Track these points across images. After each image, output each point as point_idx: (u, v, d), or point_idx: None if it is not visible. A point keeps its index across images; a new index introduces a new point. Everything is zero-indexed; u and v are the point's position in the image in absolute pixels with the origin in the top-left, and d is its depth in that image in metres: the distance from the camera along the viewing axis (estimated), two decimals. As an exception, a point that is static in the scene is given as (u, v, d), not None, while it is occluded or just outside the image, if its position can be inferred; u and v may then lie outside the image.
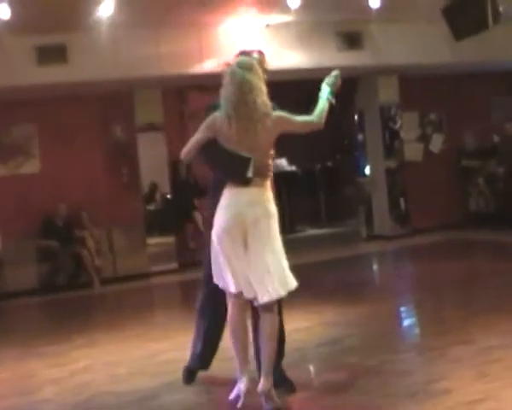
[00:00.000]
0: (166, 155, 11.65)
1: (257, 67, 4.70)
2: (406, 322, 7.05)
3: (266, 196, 4.51)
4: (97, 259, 10.80)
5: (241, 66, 4.60)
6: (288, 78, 11.71)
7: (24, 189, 10.99)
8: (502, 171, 12.25)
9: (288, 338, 6.01)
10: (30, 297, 10.17)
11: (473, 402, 4.05)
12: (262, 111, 4.47)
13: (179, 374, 5.22)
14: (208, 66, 10.74)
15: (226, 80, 4.55)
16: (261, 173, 4.47)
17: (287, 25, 10.69)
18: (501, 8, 9.94)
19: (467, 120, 13.51)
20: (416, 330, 6.52)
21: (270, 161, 4.61)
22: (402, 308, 7.48)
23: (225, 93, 4.53)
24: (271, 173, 4.64)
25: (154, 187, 11.66)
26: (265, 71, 4.97)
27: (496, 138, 13.20)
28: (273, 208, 4.51)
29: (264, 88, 4.63)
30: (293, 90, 12.98)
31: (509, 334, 5.42)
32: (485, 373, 4.54)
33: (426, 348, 5.50)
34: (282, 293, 4.42)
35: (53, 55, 9.80)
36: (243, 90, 4.44)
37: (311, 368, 5.47)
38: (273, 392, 4.27)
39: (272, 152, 4.63)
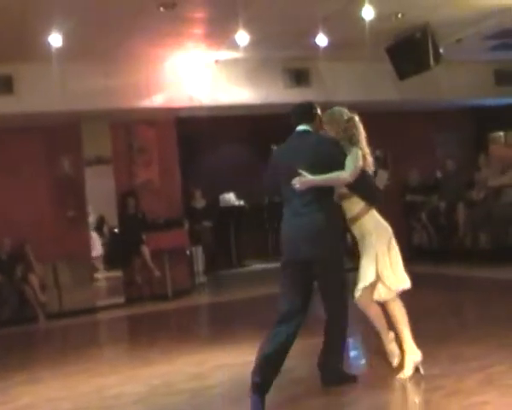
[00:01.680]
0: (114, 189, 11.62)
1: None
2: (353, 353, 7.11)
3: None
4: (41, 294, 10.64)
5: None
6: (236, 113, 11.87)
7: (-33, 221, 10.82)
8: (443, 206, 12.52)
9: (237, 371, 6.10)
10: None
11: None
12: None
13: (126, 408, 5.20)
14: (156, 100, 10.81)
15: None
16: None
17: (235, 61, 10.84)
18: (441, 50, 10.29)
19: (411, 157, 13.81)
20: (362, 362, 6.58)
21: None
22: (349, 340, 7.54)
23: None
24: None
25: (101, 220, 11.61)
26: None
27: (438, 174, 13.52)
28: None
29: None
30: (240, 124, 13.17)
31: (449, 362, 5.55)
32: (427, 400, 4.67)
33: (371, 378, 5.57)
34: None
35: (-2, 84, 9.74)
36: None
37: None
38: None
39: None
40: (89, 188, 11.46)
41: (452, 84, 12.71)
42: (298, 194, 5.02)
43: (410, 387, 5.02)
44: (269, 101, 11.55)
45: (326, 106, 12.59)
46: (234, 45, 9.75)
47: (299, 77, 11.74)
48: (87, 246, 11.50)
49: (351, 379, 5.33)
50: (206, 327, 10.02)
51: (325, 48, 10.02)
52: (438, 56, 10.22)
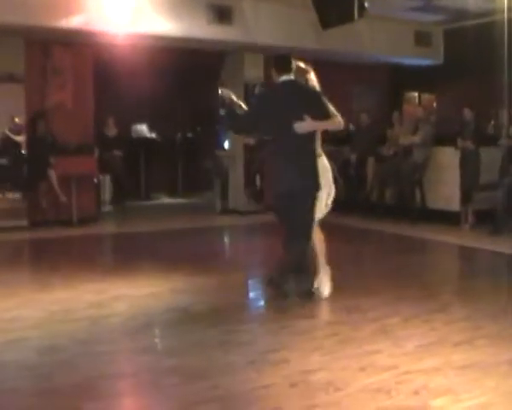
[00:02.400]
0: (24, 109, 11.27)
1: None
2: (252, 294, 7.24)
3: None
4: None
5: None
6: (156, 44, 11.66)
7: None
8: (354, 158, 12.76)
9: (136, 303, 6.15)
10: None
11: (308, 372, 4.28)
12: None
13: (22, 333, 5.17)
14: (74, 21, 10.48)
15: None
16: None
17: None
18: (366, 4, 10.36)
19: (326, 107, 13.94)
20: (261, 303, 6.71)
21: None
22: (249, 281, 7.69)
23: None
24: None
25: (7, 140, 11.26)
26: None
27: (352, 127, 13.72)
28: None
29: None
30: (159, 57, 12.96)
31: (346, 311, 5.74)
32: (322, 346, 4.80)
33: (269, 320, 5.72)
34: None
35: None
36: None
37: (154, 333, 5.53)
38: None
39: None
40: (-3, 105, 11.06)
41: (373, 39, 12.89)
42: (292, 136, 5.80)
43: (307, 333, 5.16)
44: (190, 35, 11.39)
45: (247, 46, 12.65)
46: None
47: (222, 14, 11.61)
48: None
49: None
50: (109, 256, 9.97)
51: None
52: (362, 10, 10.27)
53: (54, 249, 9.85)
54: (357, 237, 10.60)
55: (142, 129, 14.95)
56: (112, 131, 13.25)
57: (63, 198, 11.33)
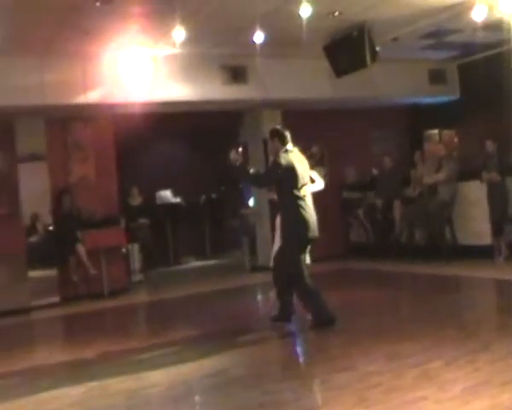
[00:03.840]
0: (49, 186, 11.40)
1: None
2: (289, 351, 7.13)
3: None
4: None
5: None
6: (173, 110, 11.78)
7: None
8: (380, 202, 12.69)
9: (173, 372, 6.08)
10: None
11: (353, 427, 4.17)
12: None
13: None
14: (92, 96, 10.64)
15: None
16: None
17: (173, 57, 10.77)
18: (378, 49, 10.42)
19: (348, 154, 13.97)
20: (299, 359, 6.60)
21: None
22: (285, 337, 7.58)
23: None
24: None
25: (35, 218, 11.37)
26: None
27: (375, 171, 13.68)
28: None
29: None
30: (178, 122, 13.08)
31: (386, 359, 5.61)
32: (364, 398, 4.67)
33: (308, 376, 5.60)
34: None
35: None
36: None
37: (197, 399, 5.44)
38: None
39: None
40: (22, 185, 11.20)
41: (388, 82, 12.90)
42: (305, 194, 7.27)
43: (348, 386, 5.03)
44: (206, 97, 11.50)
45: (263, 103, 12.74)
46: (171, 41, 9.66)
47: (237, 74, 11.72)
48: (21, 244, 11.23)
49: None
50: (143, 326, 9.92)
51: (262, 45, 10.01)
52: (374, 54, 10.35)
53: (87, 324, 9.82)
54: (390, 281, 10.47)
55: (167, 195, 15.02)
56: (136, 200, 13.34)
57: (93, 271, 11.36)
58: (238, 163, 7.28)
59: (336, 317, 7.16)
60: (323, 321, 7.15)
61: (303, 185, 7.26)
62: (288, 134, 7.43)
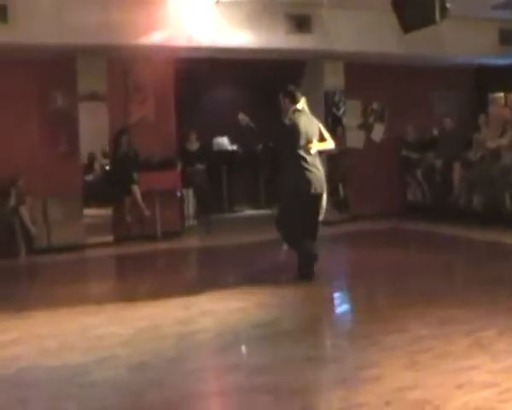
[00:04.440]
0: (108, 126, 11.46)
1: None
2: (339, 308, 7.10)
3: None
4: (32, 226, 10.55)
5: None
6: (236, 56, 11.67)
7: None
8: (439, 164, 12.45)
9: (223, 318, 6.12)
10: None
11: (402, 389, 4.11)
12: None
13: (111, 350, 5.21)
14: (155, 38, 10.59)
15: None
16: None
17: (237, 3, 10.66)
18: (448, 5, 10.07)
19: (409, 112, 13.71)
20: (350, 317, 6.55)
21: None
22: (336, 294, 7.55)
23: None
24: None
25: (92, 157, 11.47)
26: None
27: (435, 132, 13.41)
28: None
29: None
30: (239, 69, 12.94)
31: (439, 324, 5.53)
32: (415, 362, 4.60)
33: (358, 335, 5.54)
34: None
35: (-7, 13, 9.50)
36: None
37: (242, 350, 5.46)
38: None
39: None
40: (82, 124, 11.28)
41: (456, 40, 12.53)
42: (308, 152, 7.45)
43: (399, 348, 4.97)
44: (269, 46, 11.36)
45: (326, 54, 12.54)
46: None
47: (301, 23, 11.53)
48: (78, 182, 11.37)
49: None
50: (194, 271, 9.99)
51: (329, -6, 9.82)
52: (444, 11, 9.99)
53: (139, 264, 9.94)
54: (446, 245, 10.28)
55: (224, 141, 14.96)
56: (194, 145, 13.34)
57: (147, 213, 11.45)
58: (245, 123, 7.78)
59: (314, 276, 7.52)
60: (302, 276, 7.55)
61: (307, 144, 7.45)
62: (298, 94, 7.70)
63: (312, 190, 7.44)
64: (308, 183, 7.42)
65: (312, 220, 7.64)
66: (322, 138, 7.70)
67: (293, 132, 7.47)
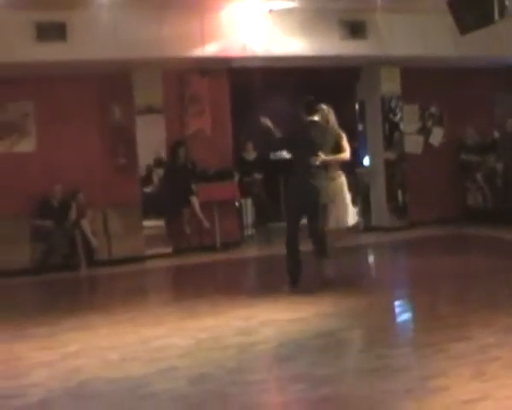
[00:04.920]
0: (165, 138, 11.54)
1: None
2: (403, 316, 6.97)
3: None
4: (93, 239, 10.68)
5: None
6: (290, 64, 11.63)
7: (19, 167, 10.86)
8: (501, 167, 12.17)
9: (284, 329, 6.06)
10: (22, 277, 10.04)
11: (470, 401, 3.97)
12: None
13: (172, 362, 5.19)
14: (210, 49, 10.64)
15: None
16: None
17: (290, 11, 10.60)
18: (507, 3, 9.82)
19: (468, 115, 13.44)
20: (413, 325, 6.43)
21: None
22: (398, 302, 7.42)
23: None
24: None
25: (150, 170, 11.56)
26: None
27: (496, 134, 13.12)
28: None
29: None
30: (294, 77, 12.88)
31: (506, 332, 5.36)
32: (483, 372, 4.46)
33: (423, 343, 5.41)
34: None
35: (52, 32, 9.71)
36: None
37: (305, 360, 5.38)
38: None
39: None
40: (139, 137, 11.39)
41: (515, 40, 12.22)
42: (309, 164, 7.64)
43: (465, 357, 4.83)
44: (324, 53, 11.28)
45: (382, 60, 12.39)
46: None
47: (356, 29, 11.42)
48: (136, 194, 11.48)
49: None
50: (254, 281, 9.97)
51: (383, -1, 9.71)
52: (503, 9, 9.76)
53: (199, 275, 9.96)
54: (509, 250, 10.02)
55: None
56: (251, 154, 13.32)
57: (206, 224, 11.47)
58: (266, 125, 7.97)
59: (298, 283, 7.75)
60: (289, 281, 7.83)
61: (314, 155, 7.65)
62: (313, 106, 7.94)
63: (304, 200, 7.71)
64: (311, 192, 7.68)
65: (310, 229, 7.88)
66: (338, 150, 7.94)
67: (299, 142, 7.80)
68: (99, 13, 9.39)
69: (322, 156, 7.69)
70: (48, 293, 9.54)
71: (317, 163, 7.65)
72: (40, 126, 11.08)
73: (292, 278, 7.81)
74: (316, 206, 7.75)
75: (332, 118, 8.15)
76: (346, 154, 8.01)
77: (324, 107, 8.11)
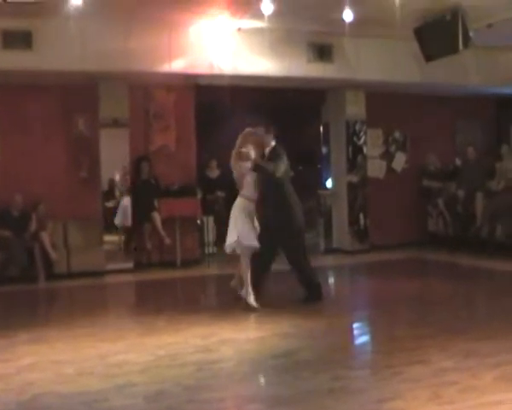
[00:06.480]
0: (128, 153, 11.48)
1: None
2: (360, 338, 6.99)
3: None
4: (53, 252, 10.53)
5: None
6: (256, 84, 11.67)
7: (-21, 176, 10.71)
8: (462, 194, 12.32)
9: (242, 347, 6.05)
10: (-21, 287, 9.87)
11: (427, 425, 4.00)
12: None
13: (130, 377, 5.14)
14: (177, 65, 10.63)
15: None
16: None
17: (259, 31, 10.64)
18: (471, 34, 10.02)
19: (431, 141, 13.63)
20: (371, 347, 6.44)
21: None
22: (357, 324, 7.44)
23: None
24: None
25: (113, 184, 11.48)
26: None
27: (458, 161, 13.31)
28: None
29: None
30: (259, 97, 12.93)
31: (463, 356, 5.40)
32: (439, 395, 4.48)
33: (380, 365, 5.43)
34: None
35: (18, 40, 9.62)
36: None
37: (262, 380, 5.37)
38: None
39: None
40: (102, 150, 11.31)
41: (479, 70, 12.46)
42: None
43: (422, 380, 4.85)
44: (291, 74, 11.36)
45: (348, 83, 12.50)
46: (258, 14, 9.56)
47: (323, 52, 11.55)
48: (98, 208, 11.38)
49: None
50: (214, 299, 9.92)
51: (351, 24, 9.80)
52: (467, 40, 9.97)
53: (159, 292, 9.89)
54: (468, 275, 10.15)
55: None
56: (214, 172, 13.32)
57: (167, 240, 11.42)
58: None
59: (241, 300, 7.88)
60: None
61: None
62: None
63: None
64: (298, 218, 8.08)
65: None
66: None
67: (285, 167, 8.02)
68: (66, 23, 9.29)
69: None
70: (4, 305, 9.36)
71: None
72: (2, 135, 10.92)
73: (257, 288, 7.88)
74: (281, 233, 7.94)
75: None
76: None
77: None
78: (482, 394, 4.49)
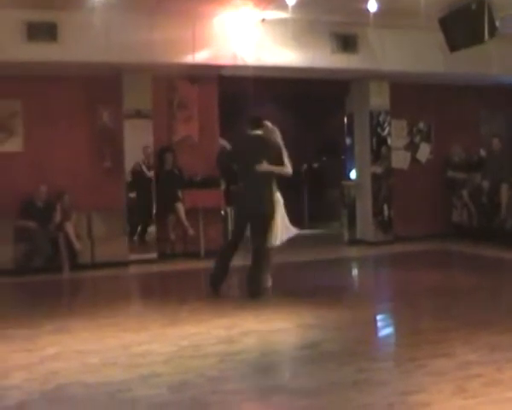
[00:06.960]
0: (152, 143, 11.51)
1: None
2: (385, 330, 6.97)
3: None
4: (77, 242, 10.59)
5: None
6: (280, 75, 11.64)
7: (5, 167, 10.80)
8: (487, 185, 12.22)
9: (266, 339, 6.03)
10: (4, 278, 9.95)
11: (451, 418, 3.98)
12: None
13: (153, 368, 5.15)
14: (200, 56, 10.64)
15: None
16: None
17: (282, 21, 10.61)
18: (497, 23, 9.90)
19: (455, 132, 13.51)
20: (395, 340, 6.42)
21: None
22: (381, 316, 7.41)
23: None
24: None
25: (136, 172, 11.50)
26: None
27: (483, 152, 13.18)
28: None
29: None
30: (283, 87, 12.91)
31: (488, 349, 5.36)
32: (464, 388, 4.45)
33: (404, 358, 5.40)
34: None
35: (43, 32, 9.68)
36: None
37: (286, 372, 5.37)
38: None
39: None
40: (126, 141, 11.35)
41: (504, 59, 12.30)
42: (253, 173, 7.90)
43: (446, 373, 4.82)
44: (314, 65, 11.32)
45: (372, 74, 12.44)
46: (282, 5, 9.55)
47: (347, 42, 11.49)
48: (122, 198, 11.43)
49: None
50: (237, 290, 9.91)
51: (375, 14, 9.75)
52: (493, 30, 9.85)
53: (182, 282, 9.93)
54: (493, 267, 10.07)
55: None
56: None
57: (191, 231, 11.44)
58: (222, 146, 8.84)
59: (217, 289, 8.21)
60: (210, 283, 8.25)
61: (247, 167, 7.98)
62: (258, 122, 8.17)
63: (247, 212, 8.08)
64: (243, 204, 8.21)
65: (253, 244, 8.21)
66: (278, 163, 8.08)
67: (232, 155, 8.42)
68: (91, 15, 9.34)
69: (265, 165, 7.91)
70: (29, 295, 9.46)
71: (261, 170, 7.87)
72: (27, 126, 11.02)
73: (212, 282, 8.19)
74: (257, 219, 8.00)
75: (275, 135, 8.35)
76: (288, 168, 8.21)
77: (269, 124, 8.33)
78: (507, 388, 4.44)
